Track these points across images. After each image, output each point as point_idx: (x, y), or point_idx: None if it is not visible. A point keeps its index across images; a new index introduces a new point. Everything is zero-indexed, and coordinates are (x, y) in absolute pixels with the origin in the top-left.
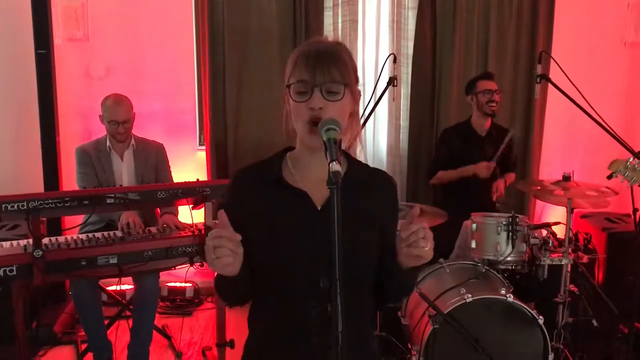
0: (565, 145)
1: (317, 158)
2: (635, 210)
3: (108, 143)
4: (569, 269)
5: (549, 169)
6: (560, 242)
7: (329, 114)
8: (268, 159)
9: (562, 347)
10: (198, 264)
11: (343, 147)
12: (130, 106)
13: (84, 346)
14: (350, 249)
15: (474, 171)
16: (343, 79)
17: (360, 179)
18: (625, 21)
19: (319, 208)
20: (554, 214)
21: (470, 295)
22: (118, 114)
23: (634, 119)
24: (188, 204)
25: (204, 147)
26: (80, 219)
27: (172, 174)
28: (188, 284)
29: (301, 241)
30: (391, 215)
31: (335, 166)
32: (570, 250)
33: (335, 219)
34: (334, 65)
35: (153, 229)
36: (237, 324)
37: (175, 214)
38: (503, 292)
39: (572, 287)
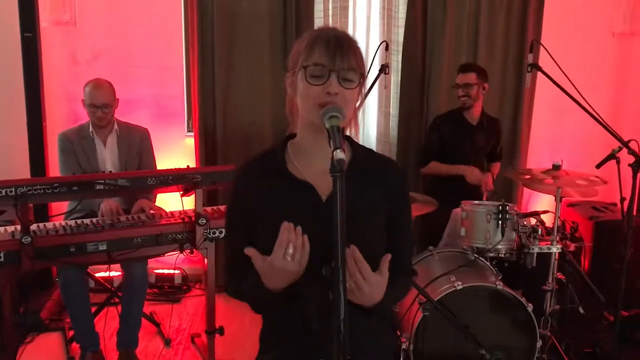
0: (553, 135)
1: (320, 146)
2: (622, 199)
3: (91, 129)
4: (556, 257)
5: (536, 158)
6: (548, 231)
7: (342, 100)
8: (270, 150)
9: (549, 334)
10: (188, 250)
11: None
12: (111, 91)
13: (71, 332)
14: (354, 239)
15: (464, 173)
16: (360, 68)
17: (366, 167)
18: (614, 11)
19: (324, 200)
20: (541, 203)
21: (461, 283)
22: (97, 98)
23: (621, 109)
24: (178, 191)
25: (192, 134)
26: (67, 205)
27: (161, 161)
28: (176, 271)
29: (306, 232)
30: (399, 206)
31: (340, 154)
32: (558, 239)
33: (338, 207)
34: (352, 53)
35: (142, 215)
36: (227, 311)
37: (152, 199)
38: (492, 279)
39: (559, 275)
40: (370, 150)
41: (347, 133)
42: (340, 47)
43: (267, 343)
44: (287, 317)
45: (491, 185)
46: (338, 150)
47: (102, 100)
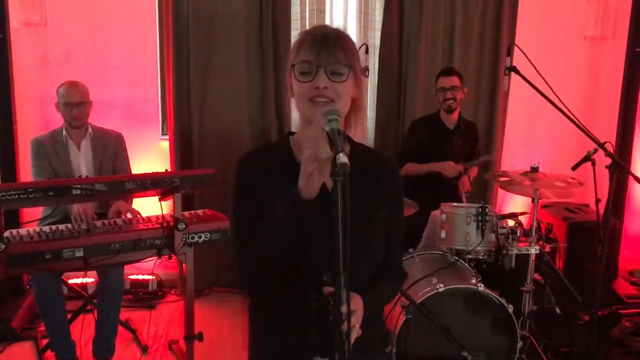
0: (527, 137)
1: None
2: (598, 201)
3: (64, 132)
4: (534, 258)
5: (511, 159)
6: (525, 232)
7: (333, 94)
8: (274, 144)
9: (527, 334)
10: (166, 256)
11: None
12: (86, 91)
13: (44, 342)
14: (354, 240)
15: (440, 169)
16: (347, 60)
17: (365, 167)
18: (586, 16)
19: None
20: (515, 204)
21: (442, 285)
22: (73, 96)
23: (592, 112)
24: (156, 195)
25: (167, 137)
26: (39, 211)
27: (135, 164)
28: (151, 277)
29: (305, 233)
30: (394, 207)
31: (343, 157)
32: (535, 240)
33: (340, 210)
34: (339, 47)
35: (119, 220)
36: (205, 317)
37: (128, 200)
38: (473, 281)
39: (536, 276)
40: (369, 149)
41: (351, 130)
42: (326, 42)
43: (263, 344)
44: (285, 319)
45: (468, 186)
46: (341, 154)
47: (78, 98)
